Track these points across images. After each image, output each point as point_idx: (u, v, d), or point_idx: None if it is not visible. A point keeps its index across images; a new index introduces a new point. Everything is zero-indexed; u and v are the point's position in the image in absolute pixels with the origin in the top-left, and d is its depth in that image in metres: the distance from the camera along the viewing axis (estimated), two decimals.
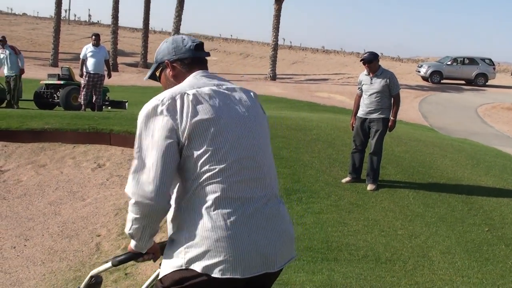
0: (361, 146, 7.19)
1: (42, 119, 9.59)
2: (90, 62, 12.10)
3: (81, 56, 12.24)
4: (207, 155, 2.04)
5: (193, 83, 2.18)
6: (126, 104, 14.11)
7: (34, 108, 13.61)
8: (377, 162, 6.97)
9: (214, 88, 2.17)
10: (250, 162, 2.12)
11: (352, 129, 7.35)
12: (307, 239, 4.90)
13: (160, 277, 2.15)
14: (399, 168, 8.05)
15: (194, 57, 2.28)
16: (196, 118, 2.05)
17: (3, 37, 13.68)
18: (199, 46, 2.31)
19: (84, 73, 12.12)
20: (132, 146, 8.83)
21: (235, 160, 2.07)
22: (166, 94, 2.11)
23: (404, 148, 9.74)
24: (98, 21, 61.76)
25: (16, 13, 62.28)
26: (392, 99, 7.09)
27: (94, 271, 2.36)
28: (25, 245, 6.19)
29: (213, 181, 2.03)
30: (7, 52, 13.13)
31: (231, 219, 2.01)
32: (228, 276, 1.97)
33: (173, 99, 2.08)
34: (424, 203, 6.54)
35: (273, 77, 35.43)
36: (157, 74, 2.37)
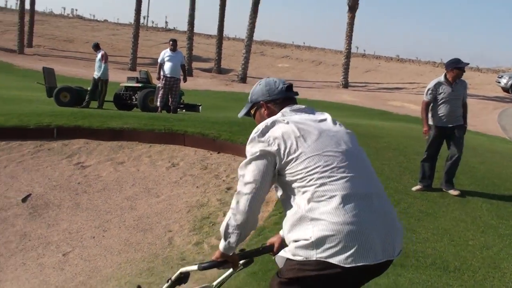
0: (435, 154, 7.11)
1: (121, 119, 10.07)
2: (167, 66, 12.57)
3: (159, 60, 12.73)
4: (316, 162, 2.30)
5: (284, 113, 2.51)
6: (200, 107, 14.51)
7: (114, 109, 14.25)
8: (457, 167, 6.94)
9: (303, 113, 2.51)
10: (357, 162, 2.37)
11: (425, 137, 7.25)
12: None
13: (280, 263, 2.40)
14: (473, 179, 7.86)
15: (286, 97, 2.60)
16: (292, 135, 2.36)
17: (97, 44, 14.51)
18: (290, 88, 2.63)
19: (161, 77, 12.60)
20: (204, 147, 9.12)
21: (344, 161, 2.32)
22: (264, 123, 2.45)
23: (479, 159, 9.49)
24: (174, 27, 63.59)
25: (98, 19, 65.08)
26: (462, 106, 7.07)
27: (183, 269, 2.62)
28: (103, 236, 6.55)
29: (331, 181, 2.26)
30: (98, 57, 13.92)
31: (356, 213, 2.21)
32: (360, 264, 2.16)
33: (270, 126, 2.42)
34: (498, 215, 6.37)
35: (345, 85, 35.21)
36: (252, 112, 2.69)
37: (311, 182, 2.28)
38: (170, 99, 12.84)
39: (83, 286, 5.24)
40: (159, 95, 12.78)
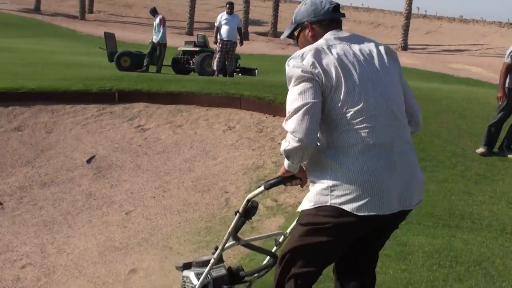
0: (505, 119, 6.89)
1: (179, 83, 10.28)
2: (224, 30, 12.63)
3: (216, 24, 12.81)
4: (346, 105, 2.23)
5: (327, 39, 2.38)
6: (256, 71, 14.56)
7: (172, 73, 14.51)
8: None
9: (346, 44, 2.36)
10: (386, 111, 2.29)
11: (500, 101, 6.90)
12: (429, 206, 4.91)
13: (299, 210, 2.41)
14: None
15: (332, 19, 2.45)
16: (331, 68, 2.25)
17: (154, 8, 14.66)
18: (336, 8, 2.47)
19: (218, 40, 12.69)
20: (260, 111, 9.23)
21: (370, 109, 2.24)
22: (304, 49, 2.34)
23: None
24: None
25: None
26: None
27: (250, 195, 2.53)
28: (163, 196, 6.81)
29: (356, 128, 2.22)
30: (156, 21, 14.07)
31: (374, 163, 2.20)
32: (372, 213, 2.20)
33: (312, 53, 2.29)
34: None
35: (405, 47, 34.32)
36: (296, 34, 2.55)
37: (339, 126, 2.25)
38: (226, 62, 12.95)
39: (145, 242, 5.51)
40: (216, 59, 12.90)
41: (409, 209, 2.33)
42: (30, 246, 5.49)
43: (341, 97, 2.24)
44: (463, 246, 4.05)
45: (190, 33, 35.70)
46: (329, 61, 2.27)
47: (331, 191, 2.24)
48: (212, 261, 2.77)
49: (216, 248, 2.93)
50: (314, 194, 2.31)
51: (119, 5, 50.05)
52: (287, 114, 2.27)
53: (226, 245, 2.69)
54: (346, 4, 57.34)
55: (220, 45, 12.72)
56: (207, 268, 2.79)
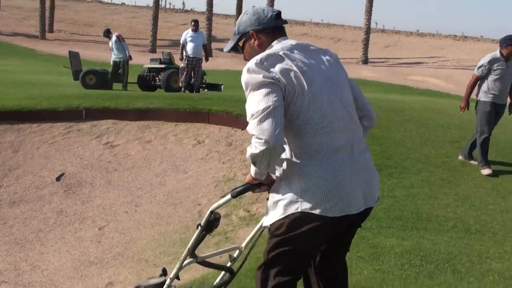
0: (491, 132, 6.95)
1: (146, 100, 10.32)
2: (190, 47, 12.76)
3: (181, 41, 12.94)
4: (309, 111, 2.26)
5: (280, 47, 2.38)
6: (222, 86, 14.71)
7: (138, 90, 14.52)
8: None
9: (299, 51, 2.38)
10: (345, 115, 2.35)
11: (462, 111, 7.07)
12: (397, 210, 5.11)
13: (269, 223, 2.38)
14: (494, 147, 7.96)
15: (276, 26, 2.46)
16: (291, 74, 2.26)
17: (108, 29, 14.72)
18: (279, 15, 2.48)
19: (184, 57, 12.81)
20: (228, 125, 9.34)
21: (331, 113, 2.29)
22: (262, 55, 2.31)
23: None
24: (191, 8, 63.65)
25: (116, 2, 65.44)
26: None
27: (214, 206, 2.51)
28: (135, 211, 6.84)
29: (319, 133, 2.26)
30: (113, 39, 14.12)
31: (339, 167, 2.27)
32: (342, 214, 2.27)
33: (269, 58, 2.29)
34: None
35: (365, 61, 35.06)
36: (240, 44, 2.53)
37: (302, 132, 2.27)
38: (192, 79, 13.06)
39: (120, 256, 5.53)
40: (182, 76, 13.01)
41: (372, 206, 2.44)
42: (3, 264, 5.45)
43: (304, 102, 2.25)
44: (432, 246, 4.24)
45: (153, 50, 35.71)
46: (288, 66, 2.27)
47: (300, 197, 2.27)
48: (168, 282, 2.71)
49: (164, 270, 2.92)
50: (283, 204, 2.31)
51: (80, 24, 49.66)
52: (250, 118, 2.23)
53: (184, 263, 2.62)
54: (306, 20, 58.32)
55: (186, 62, 12.84)
56: (167, 282, 2.71)
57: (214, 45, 38.09)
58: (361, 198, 2.34)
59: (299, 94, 2.26)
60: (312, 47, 2.46)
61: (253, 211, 6.31)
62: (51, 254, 5.69)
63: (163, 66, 14.60)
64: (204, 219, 2.54)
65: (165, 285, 2.70)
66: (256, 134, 2.18)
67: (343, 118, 2.34)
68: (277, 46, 2.39)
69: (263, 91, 2.22)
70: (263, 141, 2.15)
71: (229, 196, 2.44)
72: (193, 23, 13.07)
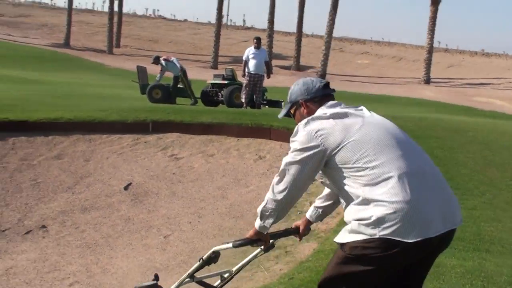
0: None
1: (210, 114, 10.65)
2: (252, 64, 13.06)
3: (243, 58, 13.26)
4: (365, 148, 2.39)
5: (324, 108, 2.60)
6: (283, 103, 14.89)
7: (201, 105, 14.94)
8: None
9: (341, 107, 2.60)
10: (401, 142, 2.47)
11: None
12: (459, 231, 5.05)
13: (343, 241, 2.43)
14: None
15: (323, 95, 2.69)
16: (340, 128, 2.44)
17: (156, 56, 15.57)
18: (327, 85, 2.72)
19: (246, 74, 13.12)
20: (289, 141, 9.53)
21: (390, 144, 2.42)
22: (308, 118, 2.53)
23: None
24: (251, 25, 64.60)
25: (178, 19, 67.10)
26: None
27: (216, 248, 2.85)
28: (198, 221, 7.09)
29: (384, 163, 2.36)
30: (163, 63, 14.90)
31: (412, 190, 2.30)
32: (420, 239, 2.27)
33: (315, 119, 2.50)
34: None
35: (427, 81, 34.55)
36: (292, 112, 2.79)
37: (364, 166, 2.36)
38: (254, 95, 13.34)
39: (184, 264, 5.76)
40: (244, 92, 13.31)
41: (454, 227, 2.41)
42: (76, 266, 5.79)
43: (357, 144, 2.39)
44: (494, 268, 4.23)
45: (215, 67, 36.42)
46: (331, 122, 2.47)
47: (378, 224, 2.31)
48: None
49: (156, 276, 3.28)
50: (361, 227, 2.36)
51: (145, 40, 51.32)
52: (280, 171, 2.48)
53: (183, 282, 3.01)
54: (367, 38, 57.99)
55: (248, 78, 13.13)
56: None
57: (274, 62, 38.50)
58: (440, 220, 2.35)
59: (348, 138, 2.41)
60: (354, 105, 2.67)
61: (312, 227, 6.41)
62: (119, 258, 5.99)
63: (226, 82, 14.97)
64: (206, 255, 2.88)
65: None
66: (276, 191, 2.47)
67: (402, 147, 2.45)
68: (320, 110, 2.61)
69: (301, 155, 2.43)
70: (279, 200, 2.45)
71: (230, 245, 2.75)
72: (255, 40, 13.39)
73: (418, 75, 36.36)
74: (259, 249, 2.80)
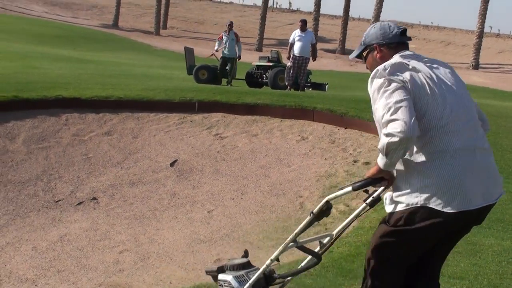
0: None
1: (254, 96, 10.82)
2: (297, 46, 13.13)
3: (289, 41, 13.35)
4: (432, 113, 2.42)
5: (399, 56, 2.59)
6: (327, 86, 14.96)
7: (245, 87, 15.12)
8: None
9: (418, 60, 2.59)
10: (465, 115, 2.50)
11: None
12: (499, 213, 5.15)
13: (388, 211, 2.53)
14: None
15: (399, 42, 2.67)
16: (414, 77, 2.47)
17: (231, 23, 15.28)
18: (404, 32, 2.69)
19: (291, 56, 13.21)
20: (332, 123, 9.61)
21: (453, 114, 2.44)
22: (384, 64, 2.53)
23: None
24: (297, 8, 64.10)
25: (224, 1, 67.09)
26: None
27: (330, 196, 2.63)
28: (241, 198, 7.31)
29: (442, 134, 2.41)
30: (232, 36, 14.74)
31: (459, 166, 2.39)
32: (462, 210, 2.37)
33: (392, 66, 2.50)
34: None
35: (476, 66, 33.76)
36: (364, 54, 2.75)
37: (426, 133, 2.40)
38: (299, 77, 13.43)
39: (227, 237, 6.00)
40: (289, 74, 13.42)
41: (493, 203, 2.49)
42: (125, 236, 6.10)
43: (427, 105, 2.42)
44: None
45: (259, 49, 36.53)
46: (411, 73, 2.48)
47: (421, 193, 2.40)
48: (268, 262, 2.88)
49: (246, 252, 3.24)
50: (404, 197, 2.46)
51: (191, 22, 51.74)
52: (382, 113, 2.40)
53: (287, 246, 2.79)
54: (415, 22, 56.80)
55: (293, 61, 13.22)
56: (262, 269, 2.90)
57: (319, 45, 38.25)
58: (481, 194, 2.42)
59: (421, 96, 2.44)
60: (428, 58, 2.66)
61: (352, 206, 6.54)
62: (165, 230, 6.28)
63: (271, 64, 15.09)
64: (317, 207, 2.65)
65: (265, 265, 2.89)
66: (393, 124, 2.34)
67: (465, 119, 2.48)
68: (397, 57, 2.59)
69: (392, 88, 2.42)
70: (400, 130, 2.31)
71: (349, 188, 2.55)
72: (300, 23, 13.44)
73: (466, 60, 35.54)
74: (363, 205, 2.58)
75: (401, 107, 2.36)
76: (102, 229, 6.30)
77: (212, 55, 15.34)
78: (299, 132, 9.39)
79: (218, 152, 8.84)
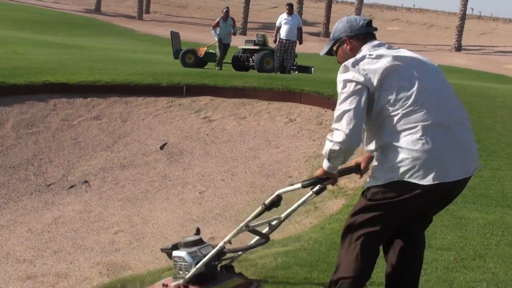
0: None
1: (242, 79, 10.90)
2: (284, 30, 13.19)
3: (276, 24, 13.41)
4: (401, 92, 2.51)
5: (367, 48, 2.69)
6: (312, 69, 15.05)
7: (231, 70, 15.16)
8: None
9: (386, 48, 2.69)
10: (438, 92, 2.58)
11: None
12: (483, 189, 5.33)
13: (368, 186, 2.62)
14: None
15: (367, 32, 2.77)
16: (381, 70, 2.55)
17: (228, 9, 15.01)
18: (370, 23, 2.80)
19: (278, 39, 13.28)
20: (319, 105, 9.73)
21: (425, 92, 2.52)
22: (353, 59, 2.63)
23: None
24: None
25: None
26: None
27: (281, 191, 2.88)
28: (231, 179, 7.43)
29: (413, 111, 2.49)
30: (229, 23, 14.58)
31: (434, 141, 2.45)
32: (437, 182, 2.44)
33: (359, 60, 2.61)
34: None
35: (458, 48, 34.08)
36: (334, 49, 2.86)
37: (396, 112, 2.49)
38: (285, 60, 13.51)
39: (220, 217, 6.12)
40: (276, 57, 13.49)
41: (468, 176, 2.58)
42: (118, 217, 6.20)
43: (397, 84, 2.51)
44: None
45: (244, 33, 36.46)
46: (377, 63, 2.57)
47: (398, 168, 2.47)
48: (221, 244, 3.11)
49: (198, 230, 3.47)
50: (382, 173, 2.55)
51: (174, 6, 51.40)
52: (336, 114, 2.55)
53: (239, 231, 3.04)
54: (397, 5, 56.94)
55: (280, 44, 13.29)
56: (215, 250, 3.11)
57: (304, 29, 38.28)
58: (458, 167, 2.50)
59: (390, 76, 2.53)
60: (396, 47, 2.75)
61: (341, 185, 6.69)
62: (158, 211, 6.38)
63: (257, 47, 15.14)
64: (269, 199, 2.88)
65: (218, 247, 3.11)
66: (336, 133, 2.50)
67: (436, 95, 2.56)
68: (365, 49, 2.70)
69: (346, 92, 2.53)
70: (340, 140, 2.48)
71: (299, 185, 2.75)
72: (287, 6, 13.48)
73: (449, 43, 35.86)
74: (309, 193, 2.84)
75: (347, 117, 2.50)
76: (95, 211, 6.39)
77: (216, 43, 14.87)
78: (287, 114, 9.51)
79: (207, 135, 8.94)
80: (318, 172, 2.70)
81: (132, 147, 8.54)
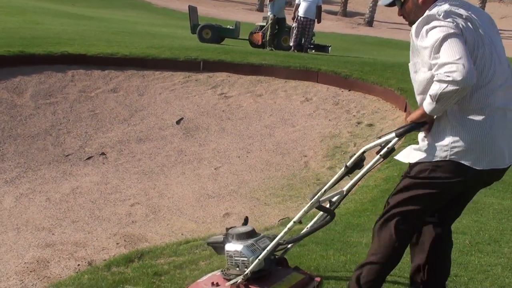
0: None
1: (259, 56, 10.88)
2: (302, 7, 13.06)
3: (296, 1, 13.28)
4: (477, 68, 2.30)
5: (450, 5, 2.42)
6: (330, 48, 14.94)
7: (249, 47, 15.07)
8: None
9: (465, 8, 2.44)
10: (503, 73, 2.42)
11: None
12: None
13: (412, 161, 2.46)
14: None
15: None
16: (467, 32, 2.34)
17: None
18: None
19: (297, 17, 13.17)
20: (336, 85, 9.70)
21: (494, 72, 2.38)
22: (434, 11, 2.39)
23: None
24: None
25: None
26: None
27: (367, 146, 2.47)
28: (247, 156, 7.47)
29: (481, 92, 2.34)
30: None
31: (489, 125, 2.35)
32: (490, 168, 2.36)
33: (447, 13, 2.36)
34: None
35: None
36: (402, 0, 2.54)
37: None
38: (303, 39, 13.42)
39: (235, 193, 6.17)
40: (293, 35, 13.40)
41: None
42: (135, 190, 6.27)
43: (477, 59, 2.33)
44: None
45: (260, 9, 36.14)
46: (464, 21, 2.35)
47: (451, 148, 2.35)
48: (290, 224, 2.67)
49: (246, 219, 3.05)
50: (433, 149, 2.39)
51: None
52: (439, 54, 2.25)
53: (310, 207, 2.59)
54: None
55: (298, 22, 13.19)
56: (283, 232, 2.68)
57: (322, 7, 37.85)
58: (507, 154, 2.42)
59: (476, 47, 2.35)
60: (474, 6, 2.51)
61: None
62: (174, 185, 6.45)
63: None
64: (352, 159, 2.51)
65: (287, 227, 2.68)
66: (451, 67, 2.19)
67: (503, 79, 2.42)
68: (445, 4, 2.43)
69: (447, 30, 2.27)
70: (461, 78, 2.17)
71: (393, 134, 2.41)
72: None
73: None
74: (377, 157, 2.46)
75: (459, 50, 2.22)
76: (112, 183, 6.47)
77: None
78: (303, 93, 9.50)
79: (223, 111, 8.96)
80: (415, 116, 2.42)
81: (148, 121, 8.60)
